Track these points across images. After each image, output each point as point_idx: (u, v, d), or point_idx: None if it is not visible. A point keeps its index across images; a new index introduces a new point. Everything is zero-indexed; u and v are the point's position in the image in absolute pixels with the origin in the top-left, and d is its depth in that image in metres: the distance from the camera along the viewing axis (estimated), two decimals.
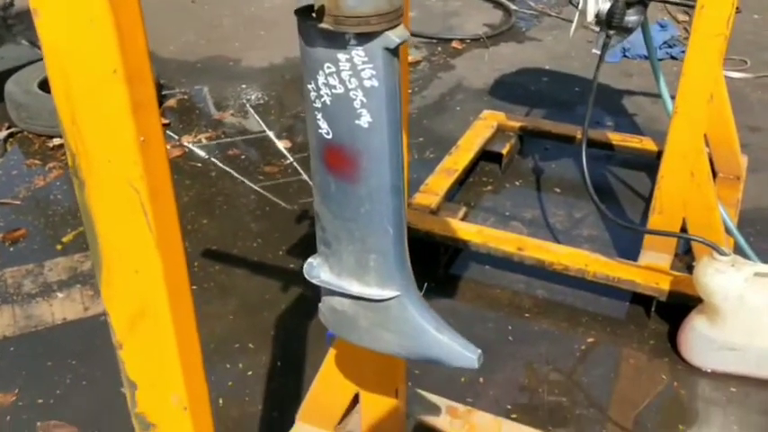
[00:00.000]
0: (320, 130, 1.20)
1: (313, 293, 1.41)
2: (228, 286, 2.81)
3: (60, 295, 2.74)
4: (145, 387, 1.05)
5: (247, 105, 4.16)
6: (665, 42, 4.80)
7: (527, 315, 2.69)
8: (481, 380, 2.39)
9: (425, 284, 1.41)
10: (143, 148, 0.87)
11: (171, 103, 4.19)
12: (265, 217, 3.20)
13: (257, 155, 3.69)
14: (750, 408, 2.33)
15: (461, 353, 1.34)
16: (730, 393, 2.37)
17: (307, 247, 2.90)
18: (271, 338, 2.56)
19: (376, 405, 1.82)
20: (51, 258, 2.93)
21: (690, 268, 2.54)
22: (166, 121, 3.95)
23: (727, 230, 2.66)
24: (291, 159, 3.61)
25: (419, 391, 2.10)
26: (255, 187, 3.39)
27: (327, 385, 1.89)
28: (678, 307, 2.52)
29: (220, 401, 2.32)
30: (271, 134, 3.84)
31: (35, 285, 2.78)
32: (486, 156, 3.49)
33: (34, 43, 4.32)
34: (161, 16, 5.23)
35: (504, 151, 3.46)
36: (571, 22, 2.62)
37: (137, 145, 0.87)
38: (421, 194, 3.04)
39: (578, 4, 2.46)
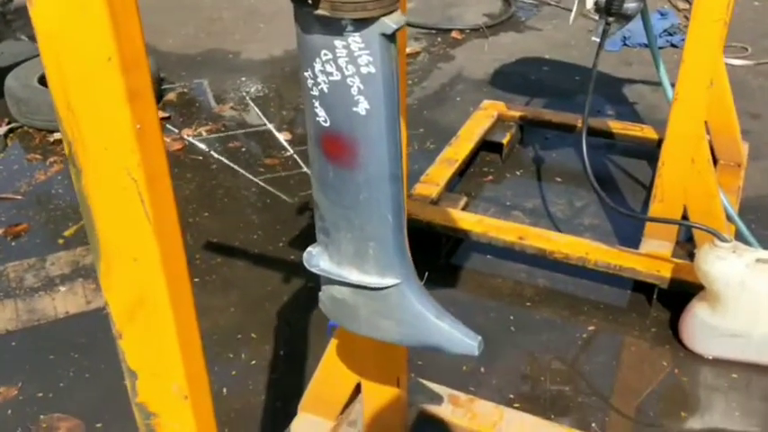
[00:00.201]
0: (318, 118, 1.19)
1: (315, 284, 1.41)
2: (230, 278, 2.81)
3: (62, 289, 2.74)
4: (145, 376, 1.05)
5: (247, 98, 4.15)
6: (665, 30, 4.79)
7: (528, 304, 2.69)
8: (483, 369, 2.40)
9: (426, 274, 1.42)
10: (139, 136, 0.87)
11: (171, 96, 4.19)
12: (266, 209, 3.20)
13: (258, 147, 3.69)
14: (752, 394, 2.33)
15: (462, 340, 1.34)
16: (732, 380, 2.37)
17: (307, 238, 2.89)
18: (273, 329, 2.56)
19: (378, 394, 1.83)
20: (53, 252, 2.93)
21: (691, 256, 2.54)
22: (166, 115, 3.95)
23: (729, 217, 2.65)
24: (292, 151, 3.60)
25: (421, 380, 2.10)
26: (256, 180, 3.39)
27: (329, 375, 1.90)
28: (680, 294, 2.51)
29: (224, 391, 2.32)
30: (271, 126, 3.84)
31: (37, 279, 2.79)
32: (487, 146, 3.48)
33: (34, 39, 4.30)
34: (160, 10, 5.22)
35: (505, 141, 3.45)
36: (570, 11, 2.62)
37: (133, 133, 0.86)
38: (422, 185, 3.04)
39: None
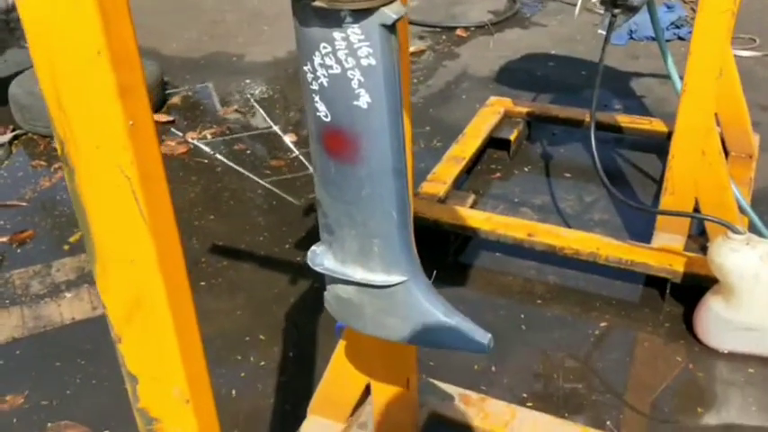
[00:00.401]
0: (318, 113, 1.16)
1: (321, 285, 1.38)
2: (237, 281, 2.78)
3: (68, 295, 2.72)
4: (146, 381, 1.02)
5: (252, 100, 4.13)
6: (672, 23, 4.74)
7: (539, 301, 2.65)
8: (494, 368, 2.36)
9: (434, 272, 1.39)
10: (132, 133, 0.84)
11: (175, 100, 4.17)
12: (272, 211, 3.18)
13: (263, 149, 3.66)
14: None
15: (471, 337, 1.30)
16: (749, 374, 2.33)
17: (314, 239, 2.86)
18: (281, 331, 2.54)
19: (388, 395, 1.79)
20: (59, 259, 2.92)
21: (704, 249, 2.50)
22: (171, 118, 3.93)
23: (741, 209, 2.61)
24: (297, 153, 3.58)
25: (431, 380, 2.07)
26: (262, 182, 3.36)
27: (338, 377, 1.87)
28: (693, 288, 2.47)
29: (233, 393, 2.30)
30: (276, 128, 3.81)
31: (43, 286, 2.77)
32: (494, 143, 3.45)
33: None
34: (163, 14, 5.22)
35: (512, 137, 3.42)
36: (575, 5, 2.59)
37: (125, 130, 0.84)
38: (428, 183, 3.01)
39: None
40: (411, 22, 4.88)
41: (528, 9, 5.26)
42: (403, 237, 1.25)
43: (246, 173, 3.44)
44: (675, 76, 2.66)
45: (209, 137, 3.78)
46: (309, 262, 1.32)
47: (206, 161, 3.56)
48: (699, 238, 2.75)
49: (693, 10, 4.87)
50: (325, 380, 1.91)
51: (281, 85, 4.31)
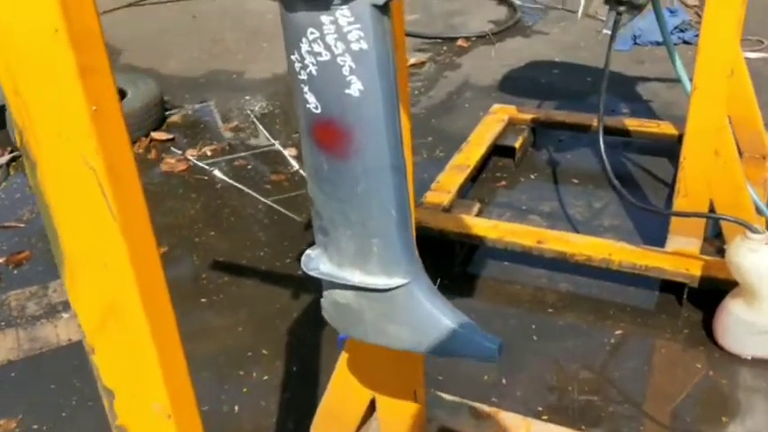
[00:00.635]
0: (308, 105, 1.09)
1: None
2: (239, 297, 2.70)
3: (65, 316, 2.64)
4: (123, 395, 0.94)
5: (252, 116, 4.07)
6: (676, 27, 4.66)
7: (551, 310, 2.55)
8: (504, 380, 2.26)
9: (438, 280, 1.30)
10: (96, 119, 0.76)
11: (175, 118, 4.11)
12: (273, 226, 3.10)
13: (263, 165, 3.59)
14: None
15: (480, 344, 1.21)
16: None
17: None
18: (284, 346, 2.45)
19: (394, 410, 1.70)
20: (55, 279, 2.83)
21: (721, 252, 2.40)
22: (170, 136, 3.87)
23: (758, 209, 2.51)
24: (298, 167, 3.50)
25: (440, 393, 1.97)
26: (262, 198, 3.28)
27: (341, 392, 1.77)
28: (711, 293, 2.37)
29: (236, 409, 2.22)
30: (276, 143, 3.74)
31: (39, 307, 2.69)
32: (499, 150, 3.37)
33: None
34: (163, 33, 5.18)
35: (517, 145, 3.34)
36: (576, 12, 2.52)
37: (88, 115, 0.76)
38: (432, 192, 2.92)
39: None
40: (411, 35, 4.82)
41: (529, 18, 5.20)
42: (403, 236, 1.16)
43: (246, 189, 3.36)
44: (685, 77, 2.57)
45: (209, 153, 3.71)
46: (303, 267, 1.24)
47: (206, 178, 3.49)
48: (715, 240, 2.66)
49: (697, 14, 4.80)
50: (328, 395, 1.82)
51: (280, 100, 4.25)
